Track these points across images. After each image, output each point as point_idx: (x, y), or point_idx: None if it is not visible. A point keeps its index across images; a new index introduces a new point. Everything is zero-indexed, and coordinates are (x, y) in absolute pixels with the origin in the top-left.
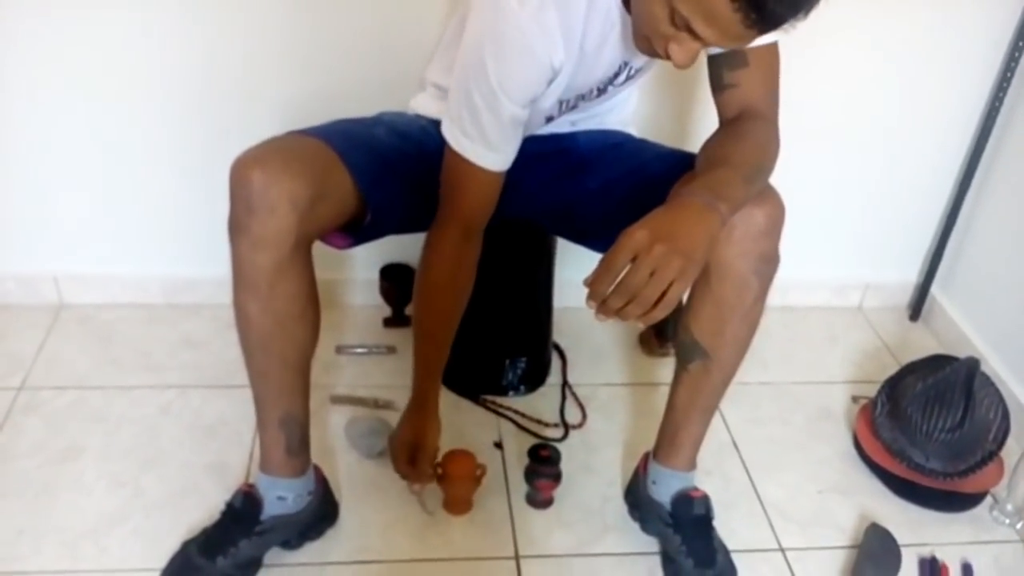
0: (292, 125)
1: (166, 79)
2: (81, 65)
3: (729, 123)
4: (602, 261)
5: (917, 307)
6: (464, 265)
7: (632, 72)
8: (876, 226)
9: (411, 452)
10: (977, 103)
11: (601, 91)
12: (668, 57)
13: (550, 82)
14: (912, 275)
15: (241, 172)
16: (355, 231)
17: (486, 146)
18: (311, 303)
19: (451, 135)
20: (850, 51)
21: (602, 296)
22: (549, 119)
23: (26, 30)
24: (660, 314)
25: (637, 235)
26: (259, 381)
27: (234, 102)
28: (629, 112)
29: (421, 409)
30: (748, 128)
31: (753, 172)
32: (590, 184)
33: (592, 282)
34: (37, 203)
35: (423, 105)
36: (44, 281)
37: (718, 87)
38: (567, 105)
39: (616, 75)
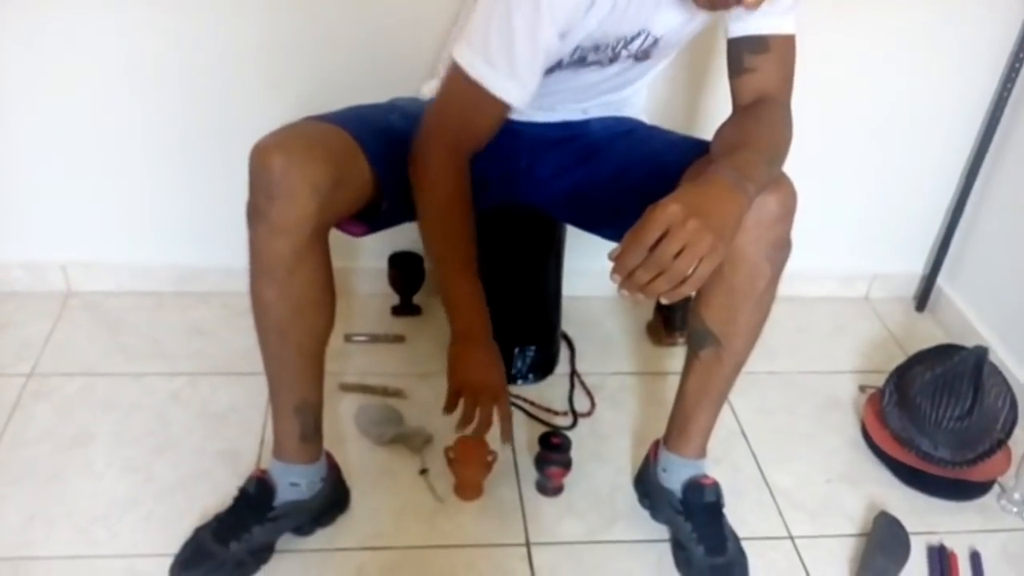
0: (302, 112)
1: (174, 68)
2: (88, 54)
3: (746, 108)
4: (631, 233)
5: (924, 297)
6: (466, 175)
7: (647, 43)
8: (883, 217)
9: (478, 393)
10: (985, 93)
11: (613, 58)
12: (737, 2)
13: (587, 11)
14: (918, 266)
15: (261, 157)
16: (370, 218)
17: (511, 77)
18: (327, 290)
19: (468, 61)
20: (855, 42)
21: (629, 269)
22: (558, 65)
23: (33, 18)
24: (687, 290)
25: (671, 208)
26: (274, 368)
27: (242, 90)
28: (640, 105)
29: (474, 341)
30: (765, 112)
31: (773, 155)
32: (602, 171)
33: (620, 255)
34: (44, 191)
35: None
36: (52, 269)
37: (738, 71)
38: (578, 55)
39: (632, 40)
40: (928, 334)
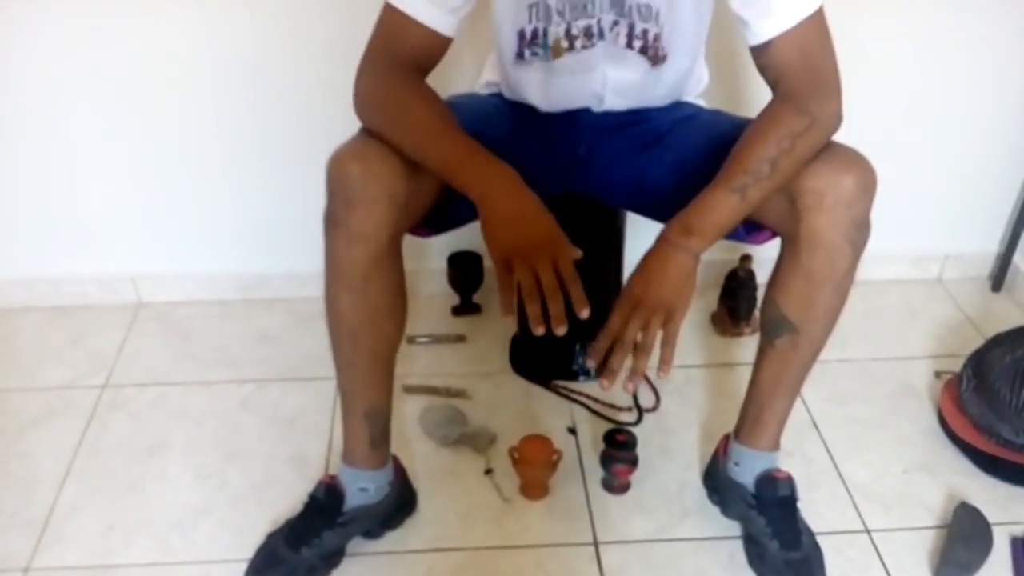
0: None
1: (241, 78)
2: (155, 64)
3: (763, 111)
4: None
5: (999, 277)
6: (416, 84)
7: (632, 19)
8: (955, 194)
9: (531, 255)
10: None
11: (596, 32)
12: None
13: None
14: (993, 244)
15: (339, 166)
16: (437, 221)
17: (430, 1)
18: (400, 297)
19: None
20: (922, 10)
21: (603, 353)
22: (521, 37)
23: (94, 26)
24: (669, 353)
25: (622, 301)
26: (346, 374)
27: (305, 98)
28: (700, 90)
29: (505, 192)
30: (760, 124)
31: (746, 180)
32: (664, 159)
33: (594, 346)
34: (114, 206)
35: (490, 73)
36: (122, 281)
37: (759, 70)
38: (538, 13)
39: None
40: (1005, 315)
